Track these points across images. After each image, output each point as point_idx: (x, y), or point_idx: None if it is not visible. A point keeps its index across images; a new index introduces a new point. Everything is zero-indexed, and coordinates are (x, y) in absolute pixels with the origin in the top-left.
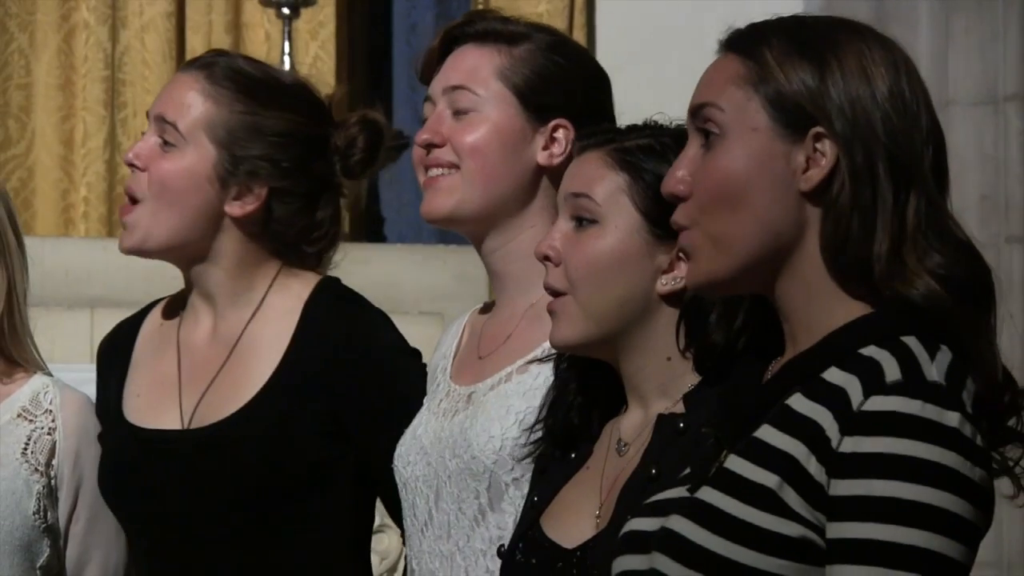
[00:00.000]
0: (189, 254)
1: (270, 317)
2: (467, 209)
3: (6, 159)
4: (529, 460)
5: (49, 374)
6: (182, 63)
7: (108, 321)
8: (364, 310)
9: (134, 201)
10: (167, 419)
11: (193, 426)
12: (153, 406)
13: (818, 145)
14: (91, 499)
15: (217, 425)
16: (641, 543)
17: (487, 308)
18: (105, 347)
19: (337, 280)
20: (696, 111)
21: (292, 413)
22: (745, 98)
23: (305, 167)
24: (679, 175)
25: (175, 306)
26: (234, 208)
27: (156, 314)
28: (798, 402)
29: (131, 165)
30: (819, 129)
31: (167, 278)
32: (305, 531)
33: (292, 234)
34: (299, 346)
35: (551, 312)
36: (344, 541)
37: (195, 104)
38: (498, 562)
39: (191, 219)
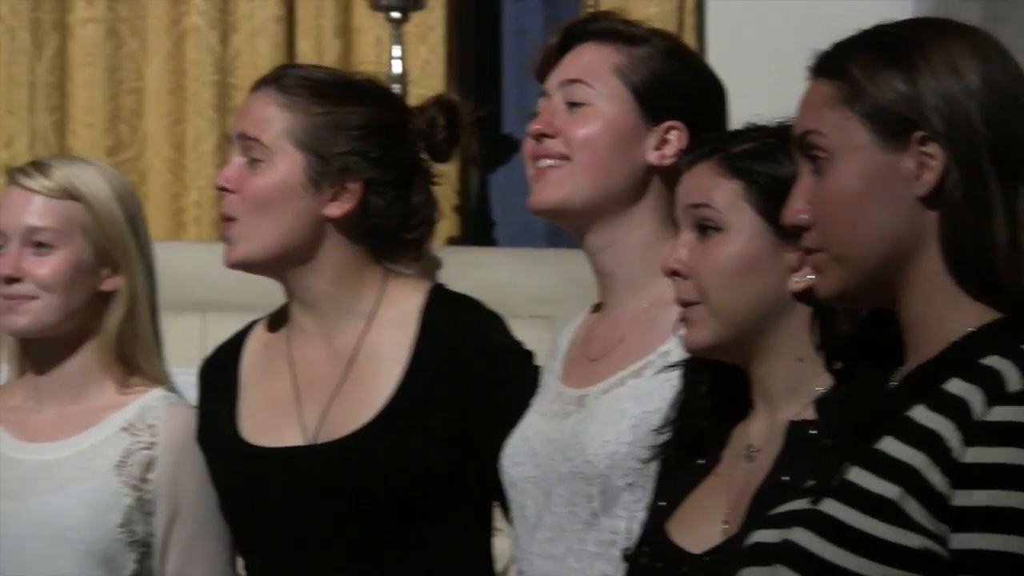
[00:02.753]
0: (293, 264)
1: (385, 328)
2: (575, 201)
3: (117, 163)
4: (645, 464)
5: (170, 389)
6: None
7: (219, 325)
8: (480, 314)
9: (231, 219)
10: (288, 436)
11: (319, 441)
12: (271, 425)
13: (924, 148)
14: (194, 515)
15: (345, 439)
16: (764, 555)
17: (598, 308)
18: (208, 369)
19: (445, 286)
20: (800, 140)
21: (420, 422)
22: (843, 118)
23: (392, 155)
24: (797, 207)
25: (278, 323)
26: (333, 209)
27: (258, 333)
28: (919, 413)
29: (223, 189)
30: (921, 133)
31: (276, 282)
32: (432, 539)
33: (391, 225)
34: (421, 355)
35: (684, 319)
36: (470, 547)
37: (273, 116)
38: (611, 565)
39: (292, 228)
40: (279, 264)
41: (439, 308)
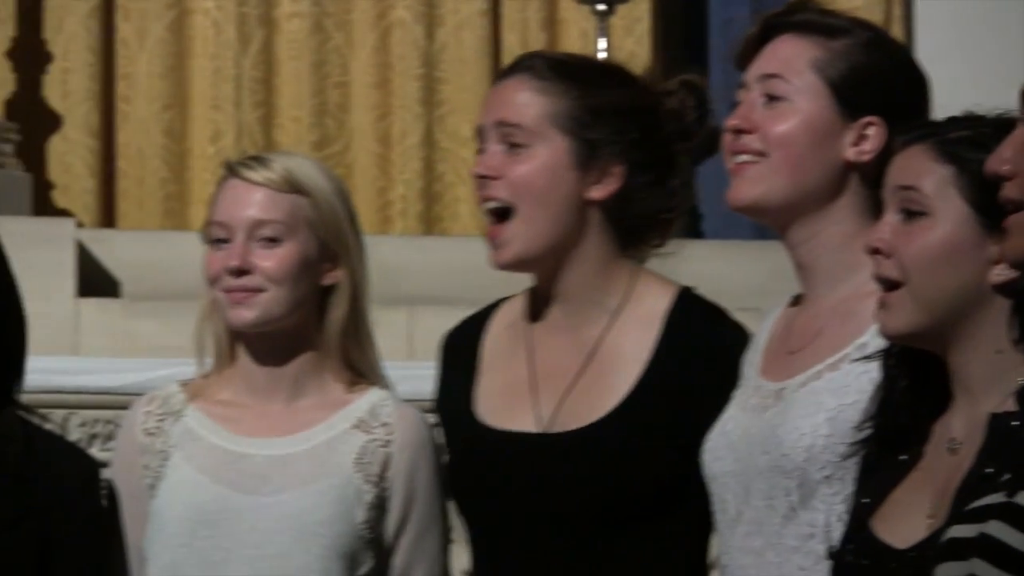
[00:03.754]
0: (558, 256)
1: (629, 325)
2: (772, 199)
3: (324, 157)
4: (844, 459)
5: (384, 386)
6: (498, 60)
7: (425, 319)
8: (728, 325)
9: (500, 218)
10: (521, 421)
11: (553, 430)
12: (506, 408)
13: None
14: (422, 512)
15: (579, 432)
16: (960, 550)
17: (796, 301)
18: (450, 343)
19: (693, 290)
20: None
21: (654, 422)
22: None
23: (650, 136)
24: (1006, 155)
25: (523, 307)
26: (597, 191)
27: (503, 314)
28: None
29: (484, 177)
30: None
31: (483, 275)
32: (655, 535)
33: (649, 209)
34: (663, 357)
35: (883, 304)
36: (689, 545)
37: (532, 101)
38: (809, 558)
39: (561, 214)
40: (548, 256)
41: (686, 313)
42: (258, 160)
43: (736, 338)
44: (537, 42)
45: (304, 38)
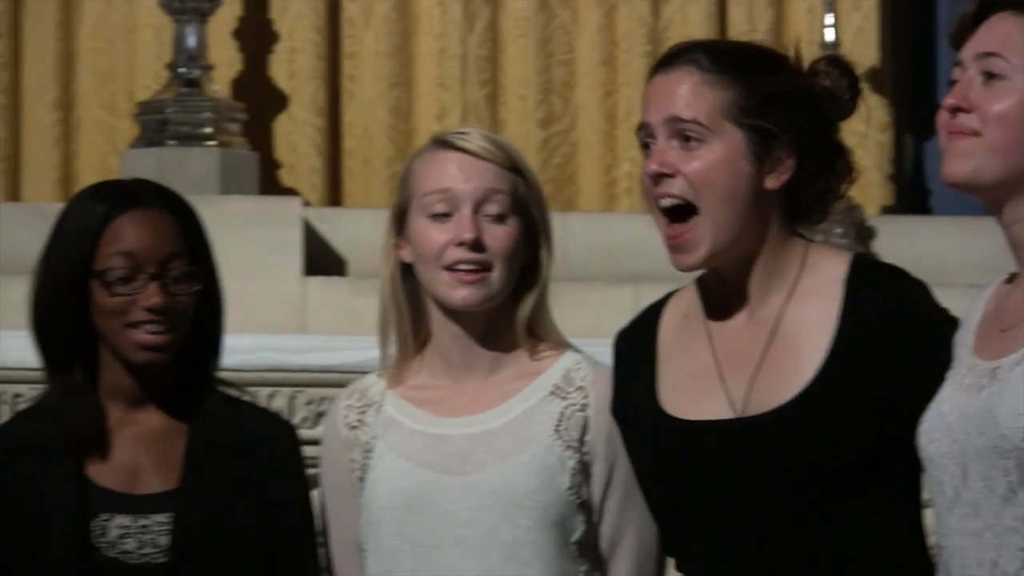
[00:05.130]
0: (738, 247)
1: (808, 298)
2: (984, 177)
3: (549, 135)
4: None
5: (577, 350)
6: (723, 37)
7: (652, 296)
8: (908, 281)
9: (676, 217)
10: (713, 409)
11: (748, 414)
12: (694, 397)
13: None
14: (626, 474)
15: (775, 412)
16: None
17: (1011, 279)
18: (625, 342)
19: (866, 255)
20: None
21: (851, 393)
22: None
23: (814, 119)
24: None
25: (695, 296)
26: (772, 181)
27: (675, 306)
28: None
29: (661, 175)
30: None
31: None
32: (862, 514)
33: (818, 190)
34: (849, 324)
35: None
36: (900, 523)
37: (703, 95)
38: None
39: (742, 208)
40: (732, 251)
41: (865, 276)
42: (470, 134)
43: (920, 294)
44: (763, 17)
45: (530, 16)
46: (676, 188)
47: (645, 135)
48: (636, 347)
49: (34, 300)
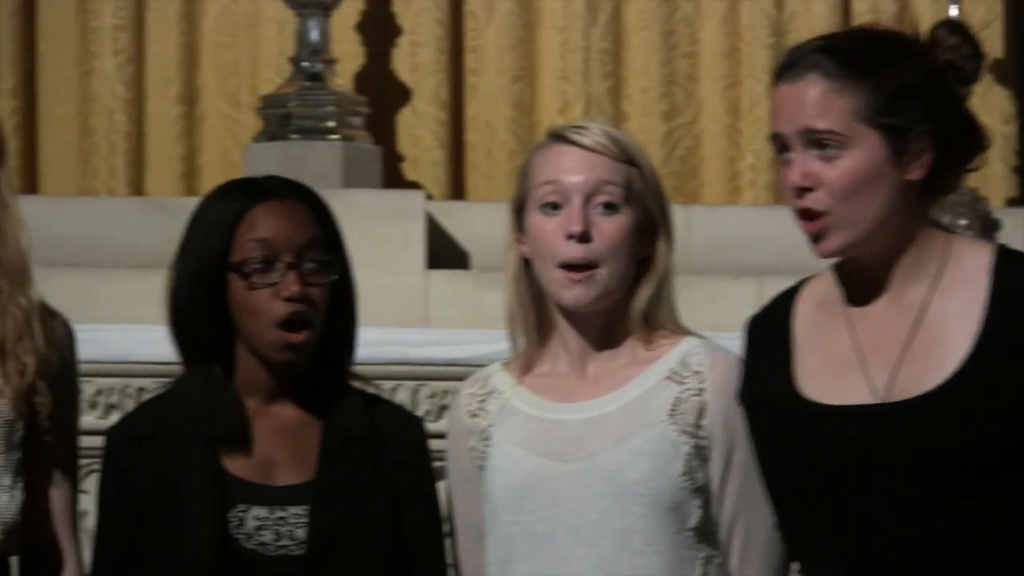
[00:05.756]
0: (882, 237)
1: (954, 286)
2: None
3: (672, 128)
4: None
5: (698, 336)
6: (847, 26)
7: (775, 289)
8: None
9: (814, 217)
10: (855, 395)
11: (892, 400)
12: (834, 383)
13: None
14: (745, 459)
15: (921, 398)
16: None
17: None
18: (757, 328)
19: (1008, 246)
20: None
21: (1000, 381)
22: None
23: (946, 100)
24: None
25: (832, 284)
26: (914, 173)
27: (809, 293)
28: None
29: (804, 189)
30: None
31: None
32: (1008, 509)
33: (955, 172)
34: (996, 312)
35: None
36: None
37: (833, 102)
38: None
39: (882, 206)
40: (872, 241)
41: (1012, 266)
42: (585, 128)
43: None
44: (887, 9)
45: (653, 8)
46: (816, 202)
47: (779, 145)
48: (770, 333)
49: (171, 296)
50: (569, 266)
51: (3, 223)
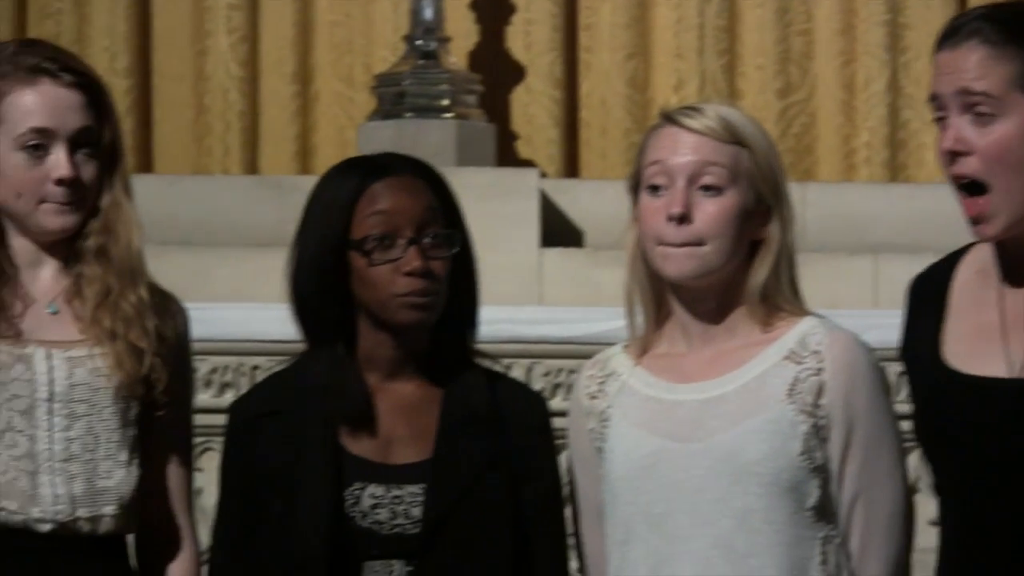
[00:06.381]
0: None
1: None
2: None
3: (787, 105)
4: None
5: (818, 316)
6: (964, 6)
7: (891, 267)
8: None
9: (973, 192)
10: (991, 367)
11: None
12: (975, 352)
13: None
14: (867, 436)
15: None
16: None
17: None
18: (918, 286)
19: None
20: None
21: None
22: None
23: None
24: None
25: (993, 253)
26: None
27: (972, 259)
28: None
29: (955, 153)
30: None
31: (949, 222)
32: None
33: None
34: None
35: None
36: None
37: (991, 67)
38: None
39: None
40: None
41: None
42: (696, 110)
43: None
44: None
45: None
46: (970, 168)
47: (937, 107)
48: (928, 294)
49: (292, 276)
50: (669, 243)
51: (115, 222)
